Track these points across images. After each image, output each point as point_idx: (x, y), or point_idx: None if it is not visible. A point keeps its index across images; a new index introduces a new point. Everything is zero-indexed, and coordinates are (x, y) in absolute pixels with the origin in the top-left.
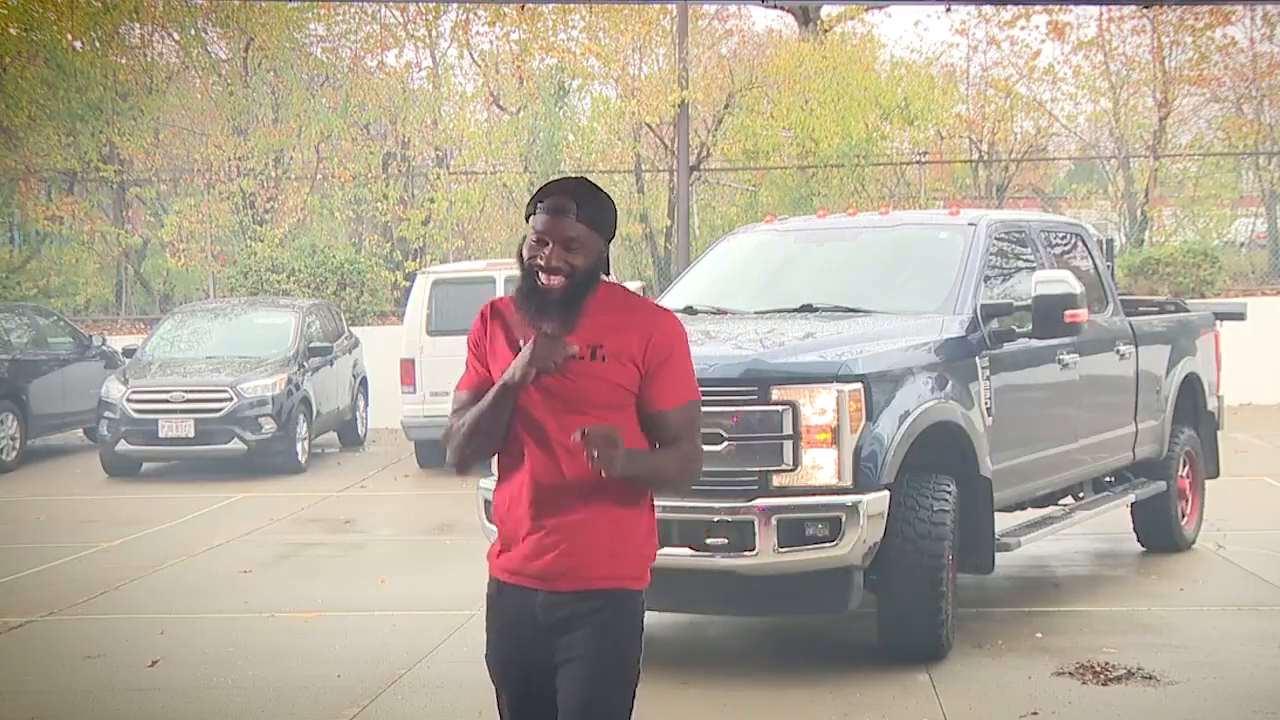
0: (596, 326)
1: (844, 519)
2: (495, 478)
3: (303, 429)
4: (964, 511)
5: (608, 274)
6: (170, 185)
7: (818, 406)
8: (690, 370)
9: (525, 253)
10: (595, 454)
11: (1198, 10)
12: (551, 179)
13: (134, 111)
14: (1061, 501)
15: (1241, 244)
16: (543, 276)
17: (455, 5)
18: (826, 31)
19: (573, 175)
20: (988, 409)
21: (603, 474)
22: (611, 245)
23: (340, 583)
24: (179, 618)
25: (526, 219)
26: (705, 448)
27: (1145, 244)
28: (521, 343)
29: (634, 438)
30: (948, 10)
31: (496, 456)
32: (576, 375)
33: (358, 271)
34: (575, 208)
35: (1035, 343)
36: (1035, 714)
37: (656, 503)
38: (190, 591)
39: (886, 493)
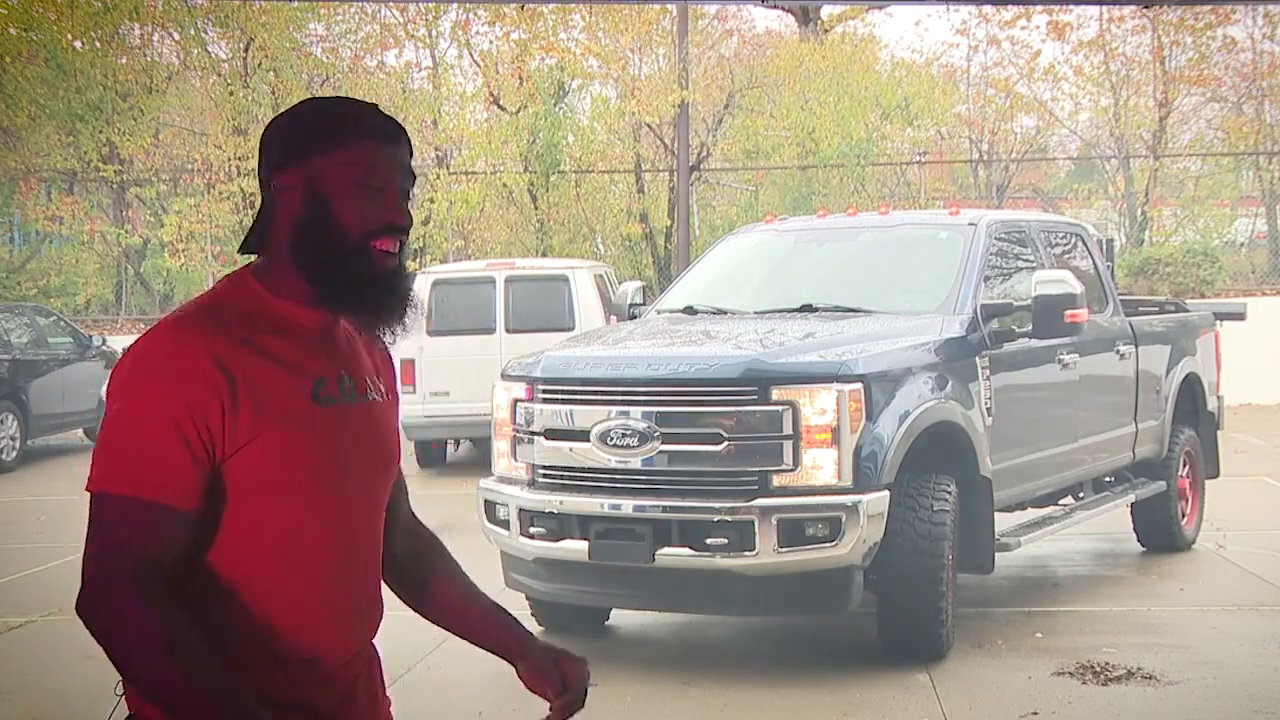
0: (360, 349)
1: (844, 519)
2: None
3: None
4: (964, 511)
5: None
6: (170, 185)
7: (818, 406)
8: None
9: (360, 211)
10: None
11: (1198, 10)
12: (327, 98)
13: (134, 111)
14: (1061, 501)
15: (1241, 244)
16: (384, 245)
17: (455, 5)
18: (826, 32)
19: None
20: (988, 409)
21: None
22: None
23: None
24: None
25: (307, 155)
26: (705, 448)
27: (1145, 244)
28: (343, 374)
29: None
30: (948, 10)
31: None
32: (380, 421)
33: None
34: (406, 135)
35: (1035, 343)
36: (1035, 714)
37: (657, 503)
38: None
39: (886, 493)
